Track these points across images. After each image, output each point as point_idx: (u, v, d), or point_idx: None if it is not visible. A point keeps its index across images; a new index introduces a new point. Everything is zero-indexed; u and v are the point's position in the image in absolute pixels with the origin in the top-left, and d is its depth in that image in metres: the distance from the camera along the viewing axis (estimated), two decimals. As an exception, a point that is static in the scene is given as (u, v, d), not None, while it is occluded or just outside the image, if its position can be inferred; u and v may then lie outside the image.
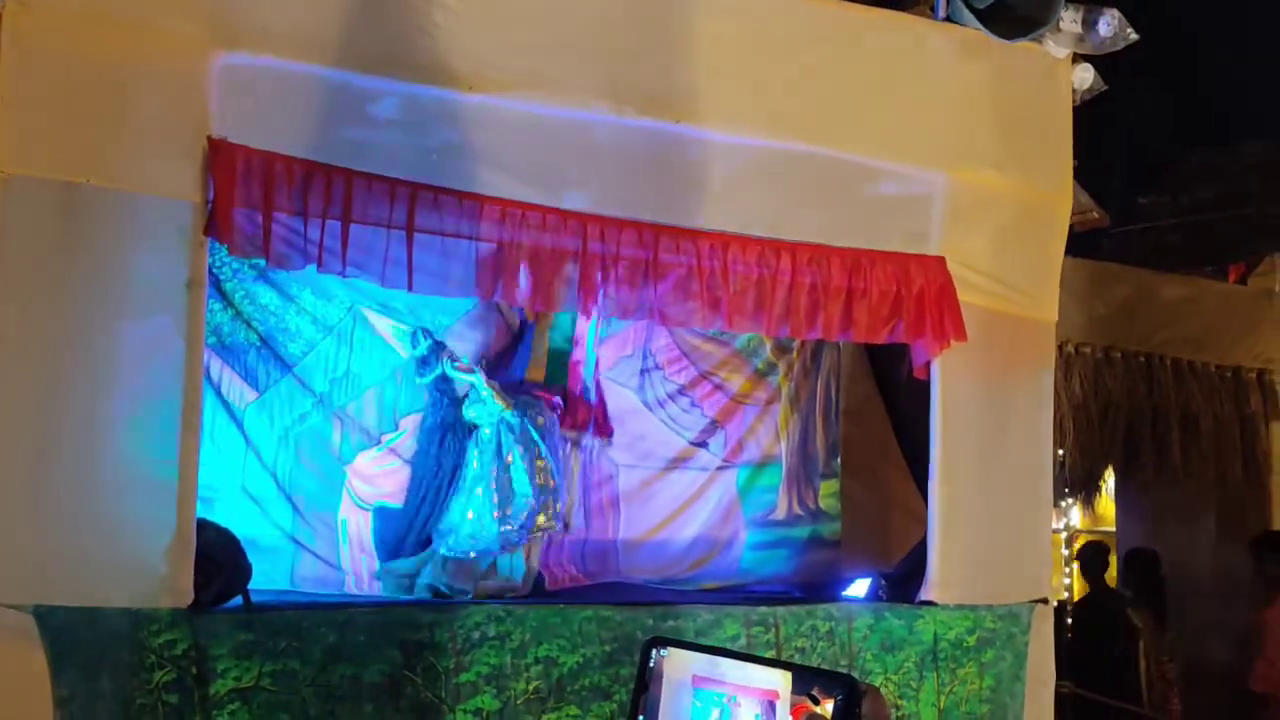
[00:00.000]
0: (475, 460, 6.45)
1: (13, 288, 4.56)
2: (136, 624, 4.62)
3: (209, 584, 4.94)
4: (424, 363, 6.56)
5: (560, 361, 6.91)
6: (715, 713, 2.01)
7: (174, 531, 4.74)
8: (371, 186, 5.14)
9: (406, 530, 6.51)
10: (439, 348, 6.58)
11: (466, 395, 6.54)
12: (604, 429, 7.16)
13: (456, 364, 6.51)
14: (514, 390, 6.59)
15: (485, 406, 6.43)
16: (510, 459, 6.39)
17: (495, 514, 6.31)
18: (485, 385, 6.43)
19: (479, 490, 6.37)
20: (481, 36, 5.33)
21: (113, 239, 4.71)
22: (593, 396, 7.09)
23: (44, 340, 4.61)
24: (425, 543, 6.47)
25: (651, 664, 2.01)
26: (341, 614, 5.20)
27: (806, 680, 1.99)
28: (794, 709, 1.95)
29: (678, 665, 2.03)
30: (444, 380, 6.58)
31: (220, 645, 4.77)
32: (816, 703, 1.93)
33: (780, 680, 1.98)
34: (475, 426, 6.50)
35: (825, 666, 5.70)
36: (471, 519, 6.34)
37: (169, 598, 4.71)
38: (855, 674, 5.86)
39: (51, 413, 4.62)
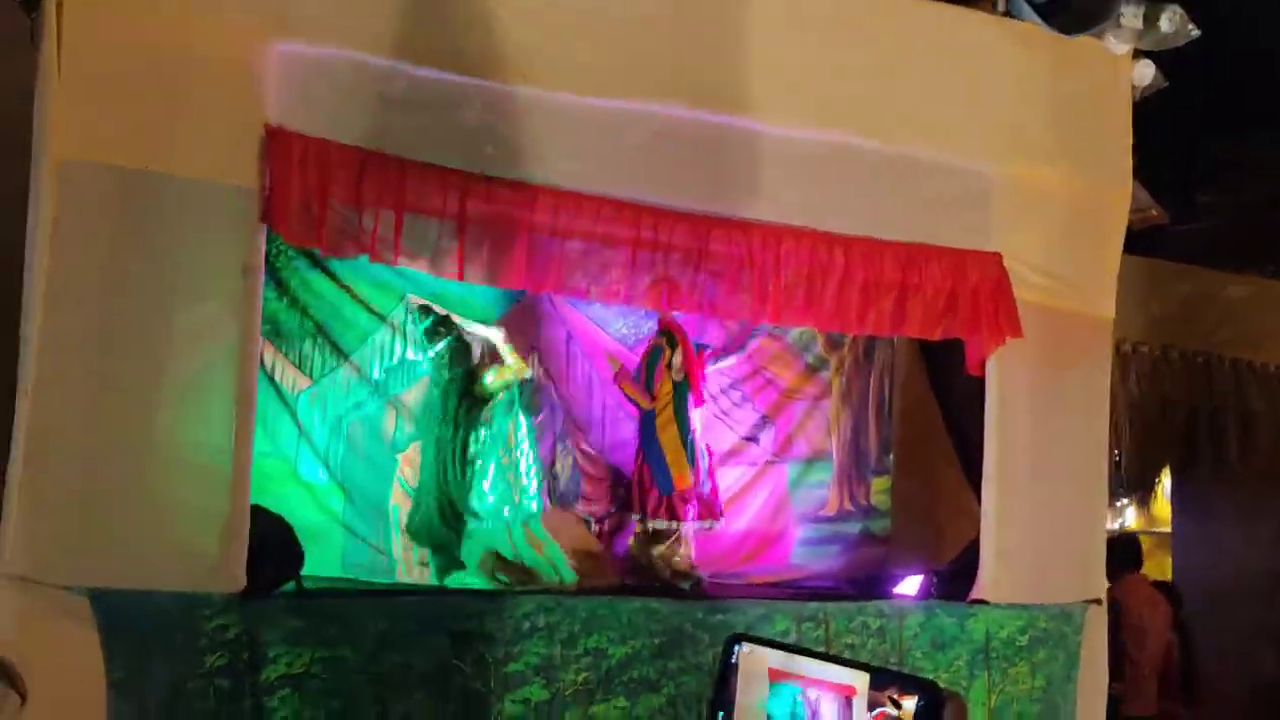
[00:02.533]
0: (493, 429, 6.45)
1: (69, 273, 4.59)
2: (190, 608, 4.65)
3: (262, 570, 4.96)
4: (432, 334, 6.55)
5: (691, 452, 6.88)
6: (792, 706, 1.99)
7: (228, 517, 4.76)
8: (425, 176, 5.15)
9: (433, 508, 6.52)
10: (443, 318, 6.57)
11: (479, 364, 6.52)
12: (716, 514, 7.08)
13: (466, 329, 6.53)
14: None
15: (505, 368, 6.42)
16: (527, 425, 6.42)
17: (517, 478, 6.32)
18: (505, 343, 6.44)
19: (500, 458, 6.37)
20: (535, 28, 5.33)
21: (169, 225, 4.74)
22: (707, 486, 7.05)
23: (100, 325, 4.64)
24: (456, 518, 6.48)
25: (733, 659, 2.00)
26: (392, 602, 5.23)
27: (886, 681, 1.96)
28: (872, 709, 1.93)
29: (756, 661, 2.02)
30: (456, 351, 6.56)
31: (272, 631, 4.79)
32: (898, 706, 1.91)
33: (858, 680, 1.96)
34: (488, 398, 6.49)
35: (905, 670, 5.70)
36: (492, 489, 6.35)
37: (222, 583, 4.73)
38: (906, 671, 5.84)
39: (107, 398, 4.65)
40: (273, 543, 5.18)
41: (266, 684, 4.76)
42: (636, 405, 6.87)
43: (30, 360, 4.52)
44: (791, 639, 5.74)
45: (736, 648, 2.05)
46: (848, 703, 1.95)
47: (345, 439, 6.49)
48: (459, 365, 6.56)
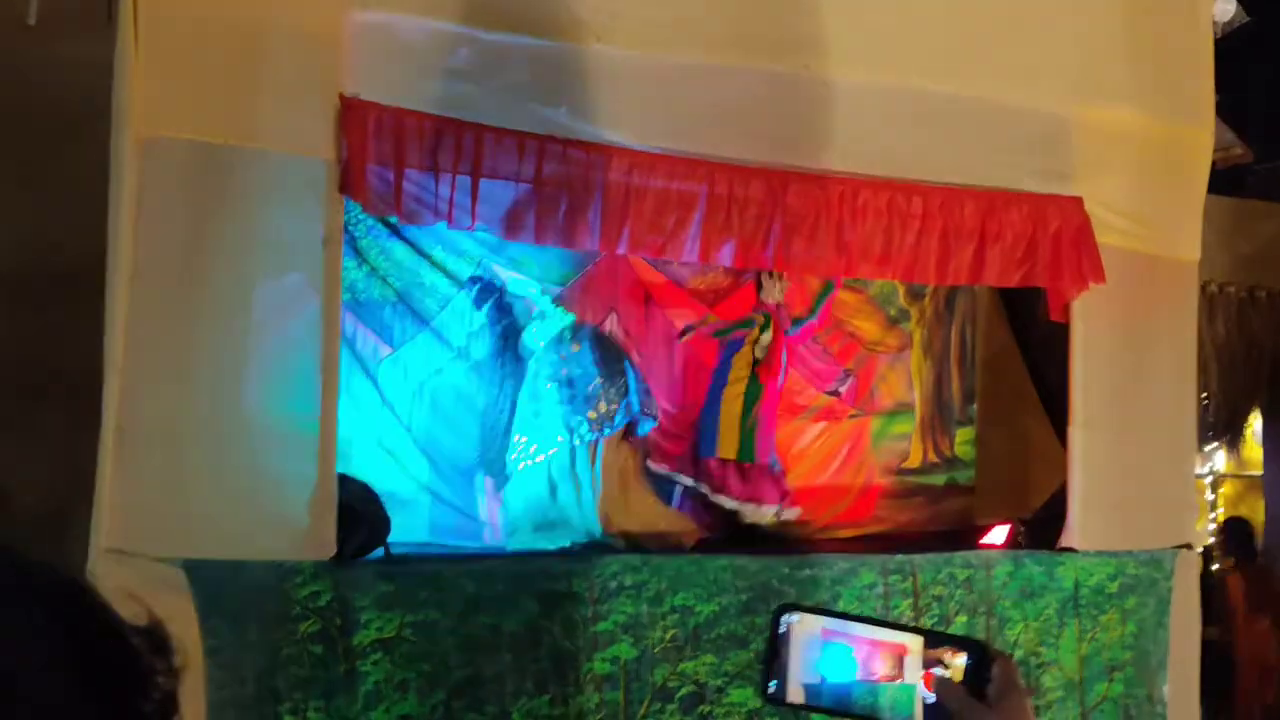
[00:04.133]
0: (536, 370, 6.52)
1: (153, 248, 4.64)
2: (281, 576, 4.72)
3: (350, 537, 5.02)
4: (484, 292, 6.58)
5: (749, 434, 6.88)
6: (845, 663, 2.01)
7: (316, 485, 4.81)
8: (501, 141, 5.16)
9: (485, 448, 6.58)
10: (489, 282, 6.61)
11: (526, 324, 6.56)
12: (789, 498, 7.07)
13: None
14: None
15: (547, 322, 6.46)
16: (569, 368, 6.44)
17: (566, 406, 6.36)
18: (544, 294, 6.48)
19: (546, 388, 6.42)
20: (605, -15, 5.31)
21: (250, 198, 4.78)
22: (778, 466, 7.05)
23: (183, 297, 4.70)
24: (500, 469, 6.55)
25: (781, 630, 2.01)
26: (479, 565, 5.28)
27: (938, 642, 1.99)
28: (924, 667, 1.95)
29: (808, 626, 2.04)
30: (501, 310, 6.59)
31: (363, 596, 4.85)
32: (946, 666, 1.93)
33: (911, 641, 1.99)
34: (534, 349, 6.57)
35: (959, 633, 5.67)
36: (540, 418, 6.40)
37: (312, 550, 4.79)
38: (994, 620, 5.83)
39: (193, 369, 4.72)
40: (360, 510, 5.24)
41: (359, 649, 4.82)
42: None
43: (117, 337, 4.58)
44: (878, 591, 5.74)
45: (785, 617, 2.06)
46: (899, 660, 1.98)
47: (428, 404, 6.54)
48: (505, 324, 6.60)
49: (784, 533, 6.77)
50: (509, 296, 6.60)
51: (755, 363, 6.81)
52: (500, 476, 6.54)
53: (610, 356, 6.57)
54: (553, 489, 6.52)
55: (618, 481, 6.69)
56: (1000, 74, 6.00)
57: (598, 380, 6.49)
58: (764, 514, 6.71)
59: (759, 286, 6.90)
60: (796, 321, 7.16)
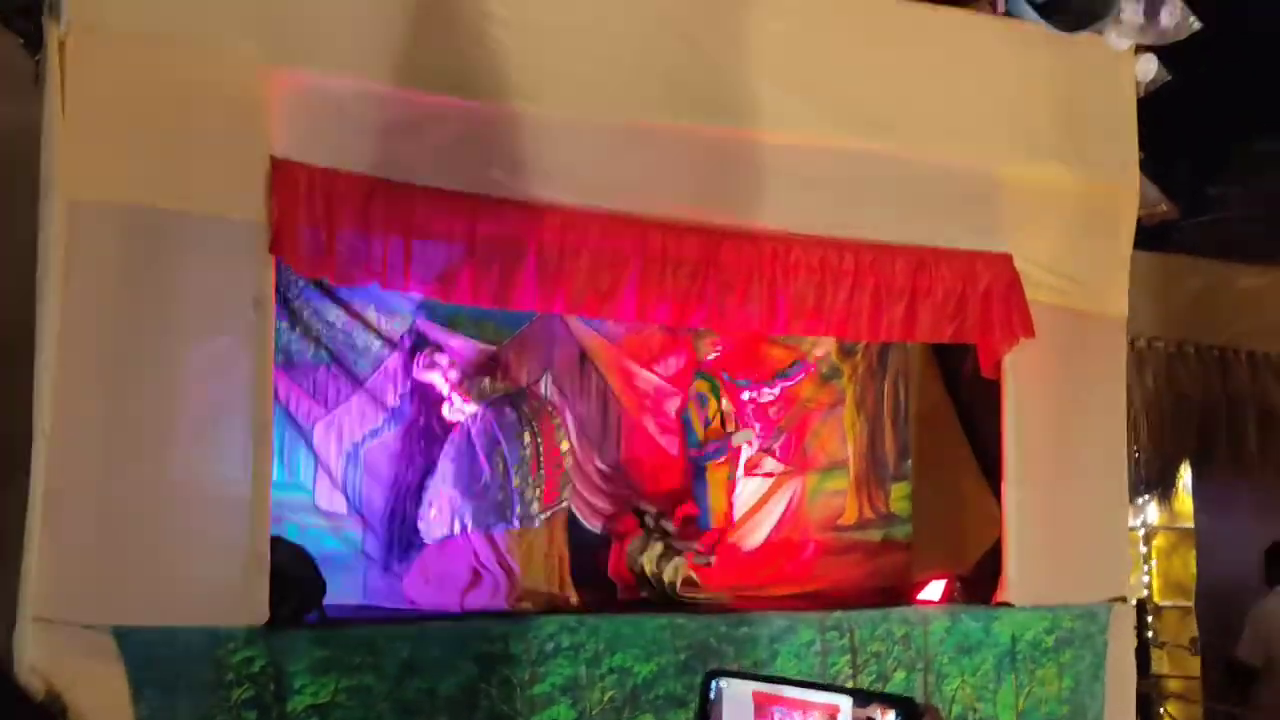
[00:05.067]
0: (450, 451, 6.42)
1: (82, 311, 4.60)
2: (214, 642, 4.65)
3: (284, 601, 4.96)
4: (412, 359, 6.54)
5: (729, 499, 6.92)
6: None
7: (248, 549, 4.77)
8: (432, 200, 5.16)
9: (390, 536, 6.46)
10: (424, 346, 6.54)
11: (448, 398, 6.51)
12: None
13: (431, 366, 6.49)
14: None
15: (456, 403, 6.42)
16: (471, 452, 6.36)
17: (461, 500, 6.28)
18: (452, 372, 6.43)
19: (443, 481, 6.34)
20: (538, 47, 5.35)
21: (179, 260, 4.75)
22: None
23: (114, 362, 4.65)
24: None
25: (712, 696, 2.02)
26: (415, 628, 5.22)
27: (868, 700, 2.00)
28: None
29: (738, 692, 2.05)
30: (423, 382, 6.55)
31: (297, 662, 4.80)
32: None
33: (841, 701, 2.00)
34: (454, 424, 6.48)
35: (897, 690, 5.67)
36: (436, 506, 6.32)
37: (246, 615, 4.74)
38: (932, 676, 5.84)
39: (123, 434, 4.66)
40: (294, 573, 5.18)
41: (293, 715, 4.77)
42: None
43: (45, 401, 4.52)
44: (816, 649, 5.75)
45: (715, 683, 2.07)
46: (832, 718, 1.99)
47: (362, 466, 6.49)
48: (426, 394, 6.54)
49: (718, 596, 6.72)
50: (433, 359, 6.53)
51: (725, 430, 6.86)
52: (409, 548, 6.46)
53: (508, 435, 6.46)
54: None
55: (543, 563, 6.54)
56: (929, 133, 6.09)
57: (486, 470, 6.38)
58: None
59: (695, 348, 6.94)
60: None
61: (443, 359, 6.43)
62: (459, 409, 6.39)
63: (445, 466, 6.36)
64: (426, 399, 6.51)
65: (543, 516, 6.29)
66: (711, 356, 6.98)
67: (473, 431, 6.35)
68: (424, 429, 6.53)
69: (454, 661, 5.07)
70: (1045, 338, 6.22)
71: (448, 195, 5.20)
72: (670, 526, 6.63)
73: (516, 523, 6.24)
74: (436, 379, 6.41)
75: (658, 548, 6.57)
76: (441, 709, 5.01)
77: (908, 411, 7.79)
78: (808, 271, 5.84)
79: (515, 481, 6.27)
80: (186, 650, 4.62)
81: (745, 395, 7.21)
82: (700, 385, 6.94)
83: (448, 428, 6.45)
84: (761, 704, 2.06)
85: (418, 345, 6.50)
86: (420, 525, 6.36)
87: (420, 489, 6.43)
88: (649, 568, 6.53)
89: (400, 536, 6.43)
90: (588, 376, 7.10)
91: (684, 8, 5.69)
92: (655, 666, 5.43)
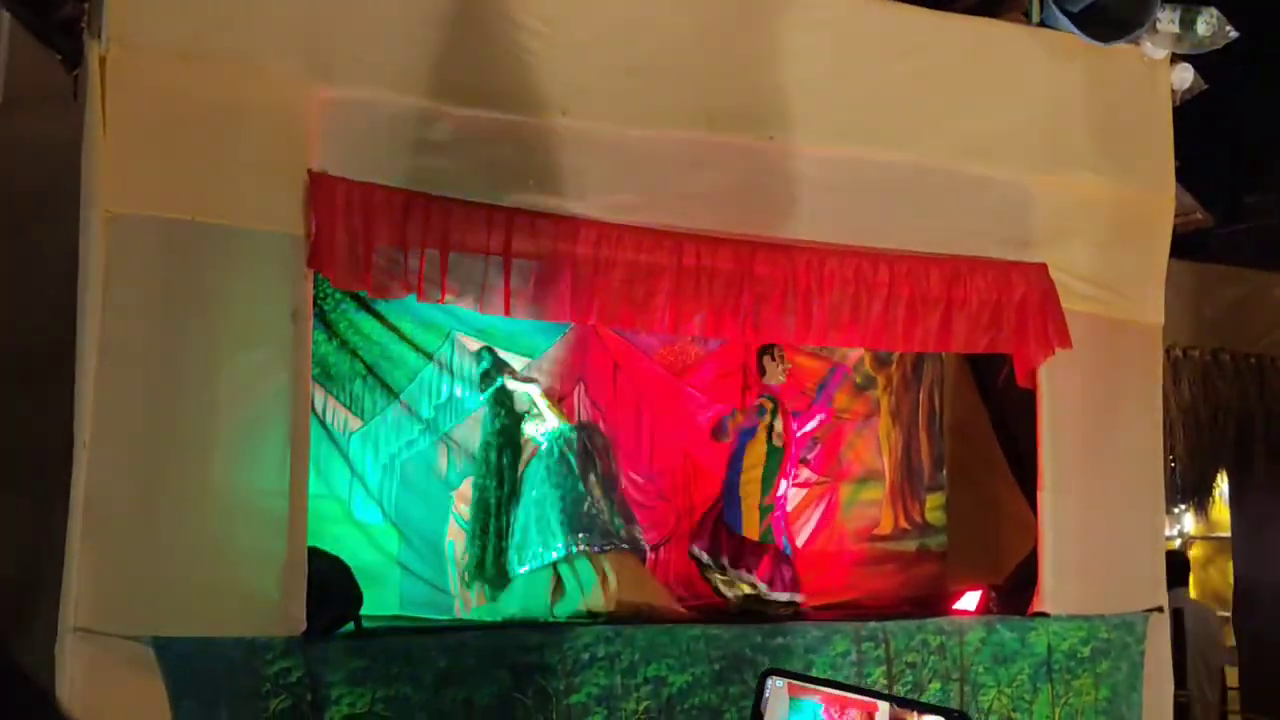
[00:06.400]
0: (536, 474, 6.44)
1: (121, 324, 4.64)
2: (252, 653, 4.67)
3: (321, 611, 4.98)
4: (486, 377, 6.57)
5: (765, 515, 6.83)
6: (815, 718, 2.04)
7: (286, 560, 4.79)
8: (469, 214, 5.19)
9: (481, 550, 6.48)
10: (499, 362, 6.59)
11: (527, 410, 6.53)
12: (801, 586, 6.82)
13: (515, 376, 6.53)
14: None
15: (544, 420, 6.44)
16: (567, 470, 6.37)
17: (560, 521, 6.26)
18: (543, 397, 6.45)
19: (540, 501, 6.35)
20: (572, 61, 5.38)
21: (218, 274, 4.79)
22: (790, 550, 6.96)
23: (153, 374, 4.69)
24: (501, 569, 6.43)
25: (767, 694, 2.04)
26: (451, 638, 5.24)
27: (908, 707, 2.02)
28: None
29: (786, 691, 2.07)
30: (504, 394, 6.56)
31: (334, 672, 4.81)
32: None
33: (882, 704, 2.02)
34: (535, 442, 6.51)
35: (935, 702, 5.66)
36: (533, 530, 6.32)
37: (283, 626, 4.75)
38: (968, 686, 5.83)
39: (162, 447, 4.69)
40: (331, 584, 5.21)
41: (331, 725, 4.79)
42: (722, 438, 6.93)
43: (86, 414, 4.57)
44: (851, 659, 5.73)
45: (770, 681, 2.09)
46: (870, 717, 2.00)
47: (398, 478, 6.53)
48: (502, 415, 6.55)
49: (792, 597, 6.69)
50: (510, 385, 6.56)
51: (771, 449, 6.78)
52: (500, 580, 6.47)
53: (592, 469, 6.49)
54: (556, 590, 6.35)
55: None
56: (964, 144, 6.09)
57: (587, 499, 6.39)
58: (779, 597, 6.63)
59: (762, 370, 6.88)
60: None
61: (538, 373, 6.52)
62: (547, 424, 6.44)
63: (542, 487, 6.40)
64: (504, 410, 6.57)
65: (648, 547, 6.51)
66: (777, 383, 6.89)
67: (568, 451, 6.40)
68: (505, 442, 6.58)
69: (491, 671, 5.07)
70: (1081, 347, 6.20)
71: (483, 209, 5.22)
72: (724, 562, 6.66)
73: (625, 546, 6.31)
74: (535, 390, 6.46)
75: (717, 576, 6.66)
76: (478, 718, 5.02)
77: (943, 421, 7.79)
78: (842, 283, 5.84)
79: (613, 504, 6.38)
80: (224, 661, 4.64)
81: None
82: (764, 401, 6.87)
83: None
84: (797, 696, 2.08)
85: (483, 358, 6.57)
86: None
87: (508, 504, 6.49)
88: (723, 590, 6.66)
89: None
90: (621, 387, 7.12)
91: (718, 20, 5.70)
92: (690, 677, 5.43)
